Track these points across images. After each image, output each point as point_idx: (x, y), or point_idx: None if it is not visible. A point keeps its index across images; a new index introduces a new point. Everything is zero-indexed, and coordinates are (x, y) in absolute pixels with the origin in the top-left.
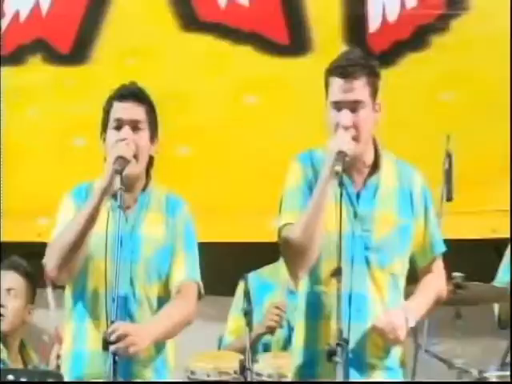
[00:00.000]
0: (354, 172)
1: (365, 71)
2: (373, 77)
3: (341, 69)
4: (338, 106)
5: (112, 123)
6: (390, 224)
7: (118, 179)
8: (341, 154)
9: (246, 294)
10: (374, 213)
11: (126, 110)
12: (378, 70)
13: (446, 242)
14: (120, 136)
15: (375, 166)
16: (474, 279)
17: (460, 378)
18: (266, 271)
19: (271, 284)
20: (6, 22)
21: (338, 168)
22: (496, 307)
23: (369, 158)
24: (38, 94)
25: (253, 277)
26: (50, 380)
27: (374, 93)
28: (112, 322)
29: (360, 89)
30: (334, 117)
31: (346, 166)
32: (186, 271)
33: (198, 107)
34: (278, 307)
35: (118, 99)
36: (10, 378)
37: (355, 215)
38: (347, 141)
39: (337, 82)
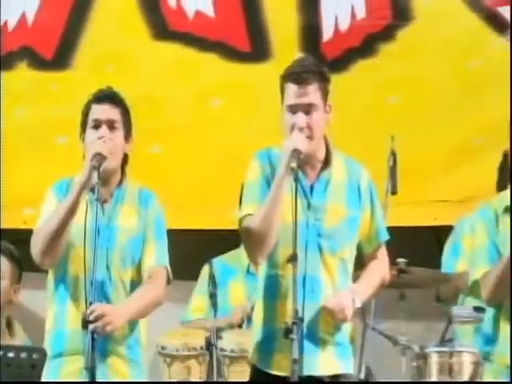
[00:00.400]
0: (307, 167)
1: (316, 77)
2: (324, 82)
3: (295, 75)
4: (293, 109)
5: (90, 123)
6: (339, 214)
7: (95, 174)
8: (296, 152)
9: (212, 278)
10: (325, 204)
11: (103, 111)
12: (328, 75)
13: (391, 230)
14: (98, 134)
15: (327, 163)
16: (417, 264)
17: (403, 354)
18: (228, 256)
19: (233, 268)
20: None
21: (293, 164)
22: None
23: (321, 155)
24: (24, 97)
25: (217, 262)
26: (35, 355)
27: (325, 96)
28: (90, 304)
29: (312, 93)
30: (289, 119)
31: (301, 162)
32: (157, 258)
33: (169, 110)
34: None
35: (95, 102)
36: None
37: (309, 206)
38: (301, 140)
39: (291, 88)
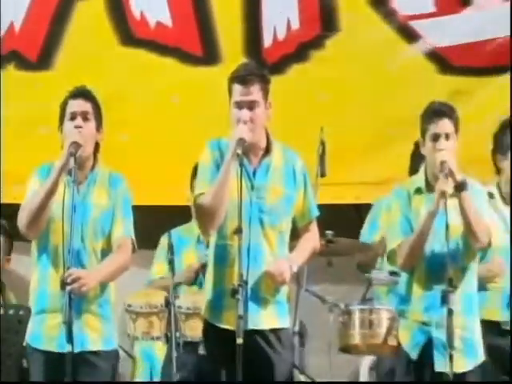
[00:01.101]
0: (251, 155)
1: (258, 79)
2: (264, 83)
3: (240, 77)
4: (239, 105)
5: (67, 116)
6: (278, 194)
7: (72, 160)
8: (241, 141)
9: (170, 246)
10: (266, 185)
11: (78, 105)
12: (268, 77)
13: (320, 207)
14: (75, 124)
15: (267, 151)
16: (342, 236)
17: (331, 311)
18: (182, 229)
19: (187, 238)
20: None
21: (239, 151)
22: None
23: (262, 144)
24: (12, 93)
25: (173, 233)
26: (22, 312)
27: (265, 95)
28: (68, 269)
29: (255, 92)
30: (235, 113)
31: (245, 149)
32: (124, 230)
33: (134, 105)
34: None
35: (71, 98)
36: None
37: (252, 187)
38: (245, 131)
39: (237, 88)
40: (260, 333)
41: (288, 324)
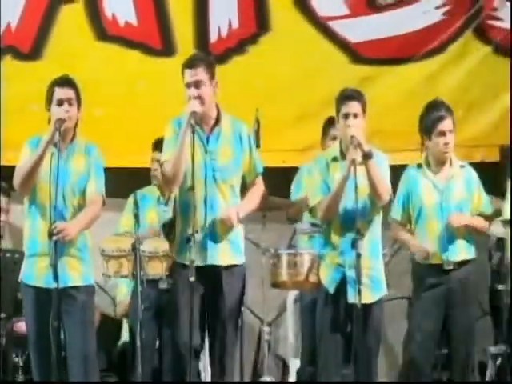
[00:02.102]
0: (204, 125)
1: (203, 62)
2: (209, 66)
3: (188, 62)
4: (189, 85)
5: (55, 101)
6: (228, 156)
7: (57, 134)
8: (193, 114)
9: (135, 203)
10: (217, 149)
11: (63, 93)
12: (213, 61)
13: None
14: (63, 109)
15: (217, 121)
16: (273, 194)
17: (264, 254)
18: (145, 190)
19: (149, 198)
20: None
21: (192, 122)
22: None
23: (213, 116)
24: (8, 78)
25: (138, 193)
26: (17, 255)
27: (211, 76)
28: (54, 222)
29: (200, 73)
30: (188, 92)
31: (198, 121)
32: (96, 187)
33: (108, 88)
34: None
35: (58, 86)
36: None
37: (206, 151)
38: (196, 105)
39: (187, 71)
40: (217, 267)
41: (241, 261)
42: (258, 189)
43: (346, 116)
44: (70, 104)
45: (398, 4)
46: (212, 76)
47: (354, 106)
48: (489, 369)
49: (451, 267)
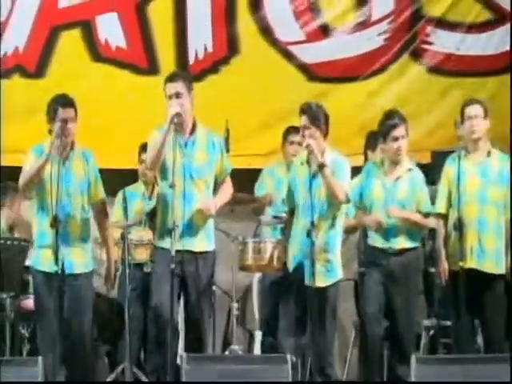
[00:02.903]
0: (183, 132)
1: (181, 77)
2: (187, 80)
3: (169, 77)
4: (171, 96)
5: (59, 120)
6: (203, 158)
7: (59, 142)
8: (175, 115)
9: (124, 199)
10: (193, 153)
11: (66, 112)
12: (189, 77)
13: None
14: (67, 126)
15: (194, 129)
16: (240, 191)
17: (233, 242)
18: (132, 187)
19: (135, 194)
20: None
21: (176, 120)
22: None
23: (190, 125)
24: (16, 94)
25: (126, 189)
26: (23, 243)
27: (189, 89)
28: (56, 216)
29: (180, 87)
30: (169, 102)
31: (178, 128)
32: (102, 193)
33: (102, 102)
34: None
35: (61, 106)
36: None
37: (184, 154)
38: (177, 107)
39: (168, 85)
40: (192, 253)
41: (212, 248)
42: (228, 186)
43: (303, 129)
44: (72, 121)
45: (346, 31)
46: (189, 89)
47: (304, 120)
48: (423, 339)
49: (393, 252)
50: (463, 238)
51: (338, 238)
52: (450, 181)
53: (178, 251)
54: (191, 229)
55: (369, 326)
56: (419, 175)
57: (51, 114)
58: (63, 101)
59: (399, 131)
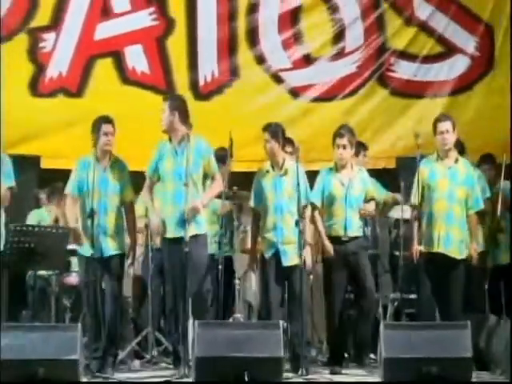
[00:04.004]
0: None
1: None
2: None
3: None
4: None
5: (102, 132)
6: (193, 161)
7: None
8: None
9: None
10: (185, 157)
11: (108, 128)
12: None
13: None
14: (107, 139)
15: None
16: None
17: (236, 230)
18: None
19: None
20: None
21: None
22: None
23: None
24: (61, 111)
25: None
26: (67, 231)
27: (173, 108)
28: (92, 210)
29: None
30: None
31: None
32: (131, 194)
33: (132, 116)
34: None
35: (104, 122)
36: None
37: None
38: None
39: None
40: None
41: (204, 231)
42: (217, 181)
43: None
44: (111, 135)
45: (325, 60)
46: (174, 108)
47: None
48: (389, 309)
49: (347, 239)
50: (432, 227)
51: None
52: (424, 179)
53: (177, 237)
54: (180, 219)
55: (333, 299)
56: (366, 173)
57: (96, 129)
58: (106, 119)
59: (342, 140)
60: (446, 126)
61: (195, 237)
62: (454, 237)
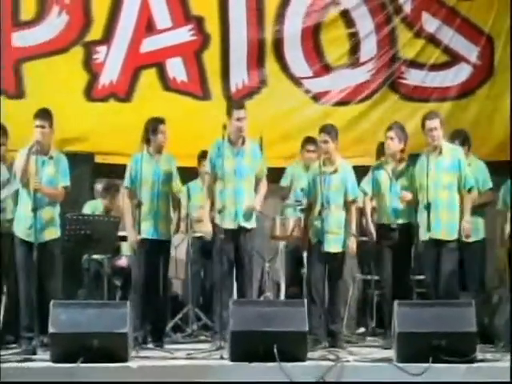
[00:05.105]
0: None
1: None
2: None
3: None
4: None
5: (153, 132)
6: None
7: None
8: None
9: (187, 191)
10: (244, 158)
11: (161, 127)
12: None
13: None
14: (161, 136)
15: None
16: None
17: (266, 219)
18: (194, 181)
19: (196, 187)
20: None
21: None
22: None
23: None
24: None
25: (189, 184)
26: (118, 219)
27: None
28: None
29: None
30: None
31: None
32: (179, 185)
33: (175, 120)
34: None
35: (160, 123)
36: None
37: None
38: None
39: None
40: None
41: (255, 225)
42: (264, 183)
43: None
44: (163, 132)
45: (344, 67)
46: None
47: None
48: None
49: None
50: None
51: (342, 217)
52: (420, 173)
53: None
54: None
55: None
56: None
57: (148, 129)
58: (157, 120)
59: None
60: (434, 123)
61: (250, 230)
62: (443, 220)
